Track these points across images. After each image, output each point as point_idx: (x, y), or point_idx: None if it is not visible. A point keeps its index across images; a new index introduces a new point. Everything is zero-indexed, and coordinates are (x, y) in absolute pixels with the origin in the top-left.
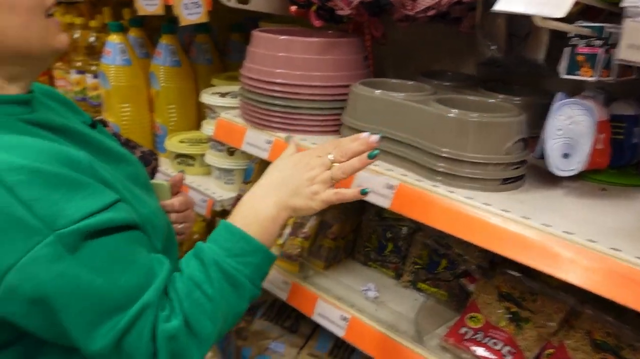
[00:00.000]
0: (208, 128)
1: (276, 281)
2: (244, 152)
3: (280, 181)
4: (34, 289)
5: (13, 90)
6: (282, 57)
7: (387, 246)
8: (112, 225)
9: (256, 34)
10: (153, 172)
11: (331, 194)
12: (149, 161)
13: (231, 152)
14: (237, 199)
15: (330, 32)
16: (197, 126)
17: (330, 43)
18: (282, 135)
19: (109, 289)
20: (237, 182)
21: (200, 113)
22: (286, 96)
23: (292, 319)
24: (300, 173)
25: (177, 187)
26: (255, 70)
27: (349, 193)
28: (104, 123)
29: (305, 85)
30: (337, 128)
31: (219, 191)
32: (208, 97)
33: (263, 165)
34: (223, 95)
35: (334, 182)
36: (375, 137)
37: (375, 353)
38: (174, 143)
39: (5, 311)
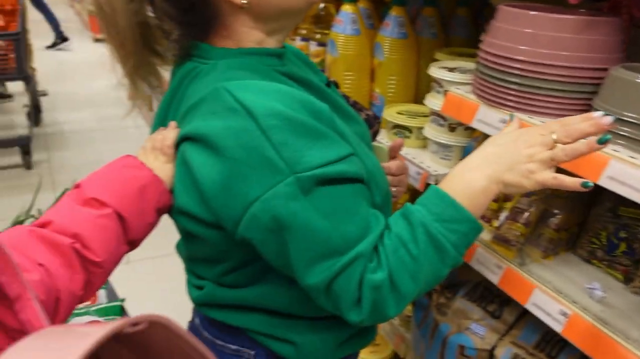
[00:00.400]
0: (433, 101)
1: (488, 262)
2: (467, 130)
3: (496, 154)
4: (271, 220)
5: (271, 44)
6: (528, 33)
7: (619, 246)
8: (344, 176)
9: (502, 8)
10: (374, 136)
11: (548, 177)
12: (372, 124)
13: (452, 128)
14: None
15: (581, 10)
16: (415, 99)
17: (586, 22)
18: (519, 116)
19: (332, 233)
20: (454, 159)
21: (419, 86)
22: (528, 74)
23: (496, 305)
24: (519, 149)
25: (394, 152)
26: (497, 45)
27: (568, 181)
28: (336, 84)
29: (552, 65)
30: (578, 113)
31: (434, 165)
32: (436, 71)
33: None
34: (451, 70)
35: (554, 164)
36: (609, 119)
37: (598, 356)
38: (392, 114)
39: (248, 235)
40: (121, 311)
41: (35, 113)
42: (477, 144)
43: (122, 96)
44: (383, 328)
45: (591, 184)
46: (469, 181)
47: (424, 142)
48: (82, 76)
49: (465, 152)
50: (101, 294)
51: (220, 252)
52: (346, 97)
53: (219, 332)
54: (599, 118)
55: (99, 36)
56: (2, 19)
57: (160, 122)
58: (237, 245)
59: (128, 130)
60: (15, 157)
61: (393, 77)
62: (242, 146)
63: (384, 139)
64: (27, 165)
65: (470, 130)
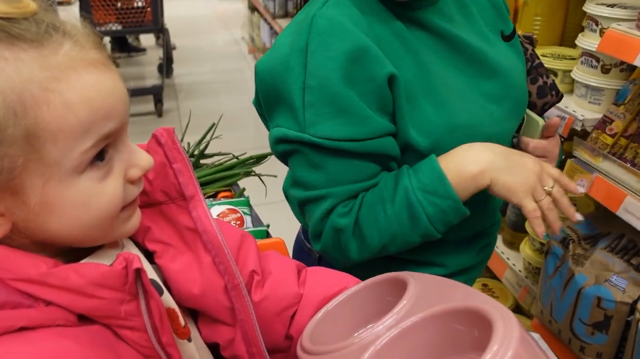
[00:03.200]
0: (586, 41)
1: (638, 212)
2: (623, 72)
3: (505, 153)
4: (276, 149)
5: None
6: None
7: None
8: (352, 152)
9: None
10: (544, 107)
11: (533, 207)
12: (544, 94)
13: (607, 69)
14: (603, 121)
15: None
16: (560, 41)
17: None
18: None
19: (316, 171)
20: (605, 103)
21: (566, 28)
22: None
23: None
24: (527, 165)
25: (549, 132)
26: None
27: (552, 218)
28: (530, 40)
29: None
30: None
31: (580, 109)
32: (593, 7)
33: None
34: (611, 5)
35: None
36: (579, 217)
37: None
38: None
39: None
40: (267, 235)
41: (167, 65)
42: (634, 87)
43: (241, 50)
44: (508, 279)
45: (556, 237)
46: (463, 163)
47: (570, 87)
48: (203, 31)
49: (620, 95)
50: (247, 220)
51: None
52: (533, 57)
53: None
54: (577, 216)
55: None
56: None
57: None
58: None
59: (247, 82)
60: (149, 106)
61: (539, 17)
62: (285, 83)
63: None
64: (159, 113)
65: (626, 72)
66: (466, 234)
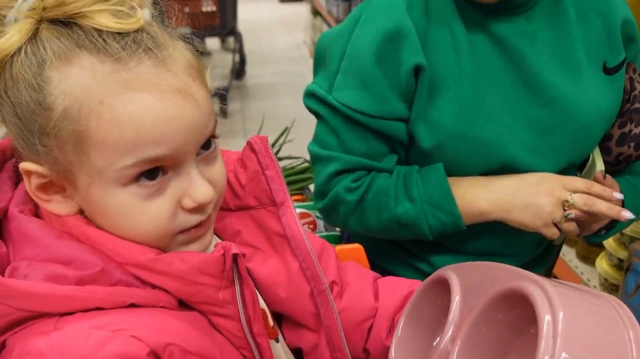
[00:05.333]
0: None
1: None
2: None
3: (520, 187)
4: (305, 102)
5: None
6: None
7: None
8: (361, 123)
9: None
10: (618, 157)
11: (555, 232)
12: (623, 143)
13: None
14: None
15: None
16: None
17: None
18: None
19: (332, 134)
20: None
21: None
22: None
23: None
24: (539, 193)
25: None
26: None
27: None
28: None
29: None
30: None
31: None
32: None
33: None
34: None
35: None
36: (629, 215)
37: None
38: None
39: None
40: (340, 240)
41: (240, 67)
42: None
43: (302, 53)
44: None
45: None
46: (479, 198)
47: None
48: (265, 34)
49: None
50: (320, 224)
51: None
52: (635, 100)
53: None
54: (623, 213)
55: None
56: None
57: None
58: None
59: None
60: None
61: None
62: (332, 46)
63: None
64: (224, 113)
65: None
66: (464, 248)
